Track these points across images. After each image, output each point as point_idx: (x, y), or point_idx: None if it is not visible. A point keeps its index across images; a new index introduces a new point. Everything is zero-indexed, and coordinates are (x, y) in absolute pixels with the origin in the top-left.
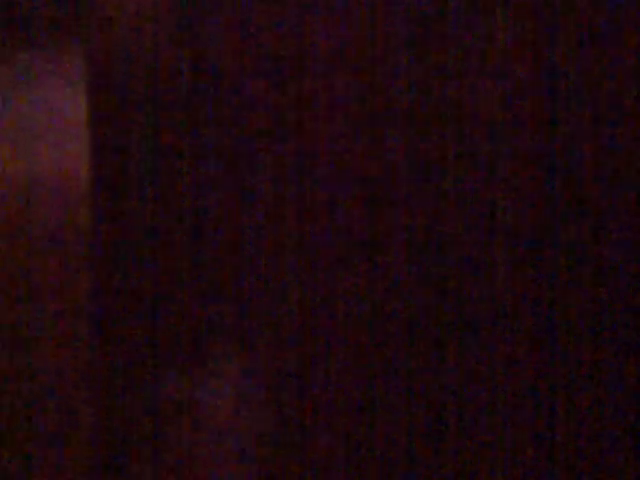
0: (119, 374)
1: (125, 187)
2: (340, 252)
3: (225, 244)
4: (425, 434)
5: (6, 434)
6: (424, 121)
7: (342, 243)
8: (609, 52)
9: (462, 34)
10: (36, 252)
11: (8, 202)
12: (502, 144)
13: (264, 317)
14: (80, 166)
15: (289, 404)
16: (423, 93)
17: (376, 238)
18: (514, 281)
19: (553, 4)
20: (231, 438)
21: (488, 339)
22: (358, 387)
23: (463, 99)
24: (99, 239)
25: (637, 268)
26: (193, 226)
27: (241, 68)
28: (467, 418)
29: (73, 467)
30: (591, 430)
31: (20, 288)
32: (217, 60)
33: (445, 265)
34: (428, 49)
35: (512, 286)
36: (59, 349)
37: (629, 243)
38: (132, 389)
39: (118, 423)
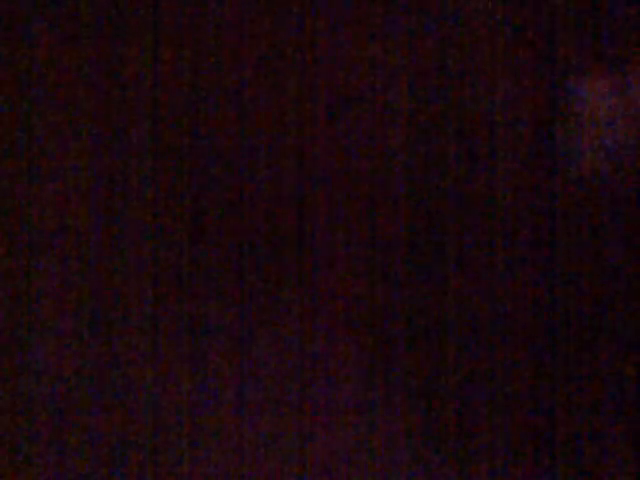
0: (119, 374)
1: (125, 187)
2: (340, 252)
3: (225, 244)
4: (425, 434)
5: (6, 434)
6: (424, 121)
7: (342, 243)
8: (609, 52)
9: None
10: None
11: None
12: (502, 144)
13: (264, 317)
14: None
15: (289, 404)
16: (423, 93)
17: (376, 238)
18: (514, 281)
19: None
20: (231, 438)
21: (488, 339)
22: (358, 387)
23: (463, 99)
24: (99, 239)
25: (637, 268)
26: (193, 226)
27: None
28: (467, 418)
29: (73, 467)
30: (591, 430)
31: (20, 288)
32: (217, 60)
33: (445, 265)
34: (428, 50)
35: (512, 286)
36: (59, 349)
37: (629, 243)
38: (134, 388)
39: (118, 422)
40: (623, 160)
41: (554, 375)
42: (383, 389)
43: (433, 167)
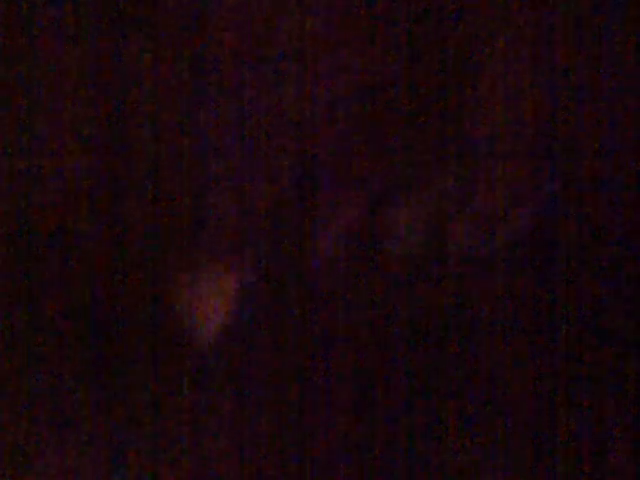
0: (119, 374)
1: (125, 187)
2: (340, 251)
3: (225, 242)
4: (425, 434)
5: (6, 434)
6: (424, 121)
7: (342, 242)
8: (609, 52)
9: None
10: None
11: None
12: (502, 144)
13: (265, 316)
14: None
15: (289, 404)
16: (423, 93)
17: (376, 238)
18: (514, 281)
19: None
20: (231, 438)
21: (488, 339)
22: (358, 387)
23: (463, 99)
24: (99, 239)
25: (637, 268)
26: (193, 226)
27: (241, 67)
28: (467, 418)
29: (73, 467)
30: (591, 430)
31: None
32: (217, 59)
33: (445, 265)
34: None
35: (512, 286)
36: (59, 349)
37: (629, 243)
38: (132, 389)
39: (118, 423)
40: (624, 160)
41: (554, 375)
42: (383, 389)
43: (433, 167)
